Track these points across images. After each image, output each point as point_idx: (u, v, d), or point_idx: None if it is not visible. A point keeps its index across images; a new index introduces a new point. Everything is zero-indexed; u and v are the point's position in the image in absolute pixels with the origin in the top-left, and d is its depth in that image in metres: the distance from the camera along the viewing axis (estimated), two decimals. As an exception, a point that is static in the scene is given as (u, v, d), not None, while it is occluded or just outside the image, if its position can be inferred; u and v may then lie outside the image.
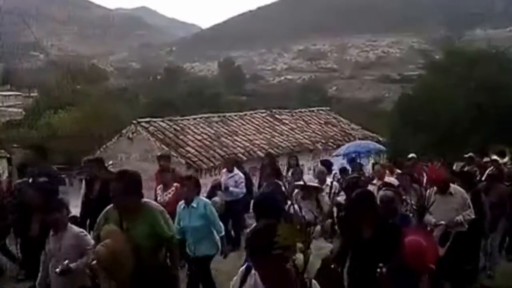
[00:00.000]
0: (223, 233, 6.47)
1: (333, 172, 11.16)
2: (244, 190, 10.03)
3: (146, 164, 13.94)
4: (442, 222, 6.52)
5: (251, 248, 2.80)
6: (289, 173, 10.87)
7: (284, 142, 17.61)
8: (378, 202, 5.44)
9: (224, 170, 10.50)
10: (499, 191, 8.17)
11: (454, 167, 12.00)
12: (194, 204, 6.33)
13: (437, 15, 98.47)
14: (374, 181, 9.09)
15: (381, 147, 16.19)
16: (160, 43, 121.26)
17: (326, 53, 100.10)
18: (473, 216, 6.67)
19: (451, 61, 28.67)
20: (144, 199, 4.49)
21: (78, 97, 33.46)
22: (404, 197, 6.75)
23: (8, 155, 24.09)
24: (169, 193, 7.84)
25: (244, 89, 63.26)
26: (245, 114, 19.43)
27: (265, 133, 17.90)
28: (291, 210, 4.92)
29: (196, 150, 15.24)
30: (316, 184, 7.67)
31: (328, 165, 11.13)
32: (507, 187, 8.61)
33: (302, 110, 21.68)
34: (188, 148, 15.30)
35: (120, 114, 29.09)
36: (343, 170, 11.72)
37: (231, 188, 9.85)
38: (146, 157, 14.69)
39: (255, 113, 19.85)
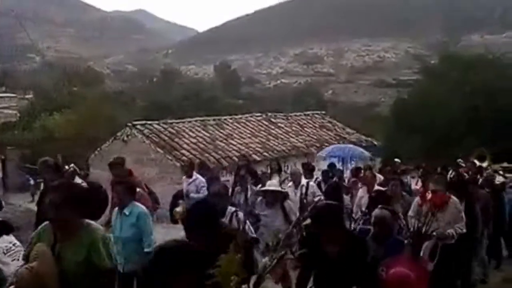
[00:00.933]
0: (150, 249, 5.30)
1: (315, 177, 10.76)
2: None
3: (140, 167, 13.95)
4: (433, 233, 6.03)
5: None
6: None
7: (279, 145, 17.65)
8: (373, 221, 5.03)
9: (184, 176, 9.91)
10: (482, 198, 7.96)
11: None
12: (126, 212, 5.54)
13: (433, 20, 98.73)
14: (361, 190, 8.49)
15: (367, 154, 15.61)
16: (157, 46, 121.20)
17: (322, 57, 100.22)
18: (464, 230, 6.31)
19: (447, 66, 28.75)
20: (88, 220, 3.79)
21: (73, 99, 33.36)
22: (400, 219, 6.15)
23: (2, 157, 24.04)
24: None
25: (240, 92, 63.24)
26: (241, 118, 19.49)
27: (260, 137, 17.95)
28: (234, 220, 4.66)
29: (191, 153, 15.26)
30: (277, 188, 7.07)
31: (310, 168, 10.86)
32: (487, 193, 8.46)
33: (297, 114, 21.76)
34: (183, 151, 15.33)
35: (115, 116, 29.02)
36: (325, 174, 11.31)
37: (191, 194, 9.24)
38: (141, 160, 14.69)
39: (251, 116, 19.91)
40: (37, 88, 48.83)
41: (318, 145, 18.55)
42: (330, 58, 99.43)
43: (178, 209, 8.45)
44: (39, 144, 27.73)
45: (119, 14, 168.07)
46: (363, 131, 22.34)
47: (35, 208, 8.45)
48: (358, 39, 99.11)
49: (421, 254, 4.89)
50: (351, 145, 16.57)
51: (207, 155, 15.27)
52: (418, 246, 4.66)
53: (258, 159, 15.19)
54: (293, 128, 19.67)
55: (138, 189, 6.36)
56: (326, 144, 18.67)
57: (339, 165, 13.44)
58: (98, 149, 16.48)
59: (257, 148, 16.77)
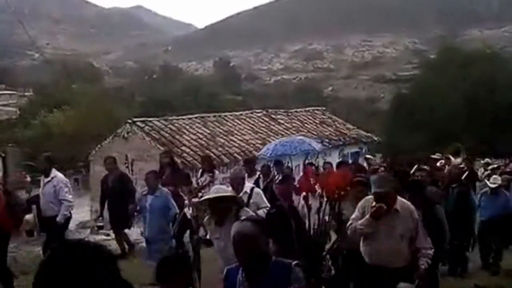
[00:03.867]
0: None
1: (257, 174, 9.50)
2: (68, 197, 8.24)
3: (141, 163, 13.95)
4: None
5: None
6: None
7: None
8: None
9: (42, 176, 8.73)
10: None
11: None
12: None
13: (432, 15, 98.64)
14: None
15: (317, 147, 13.46)
16: (156, 42, 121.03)
17: (322, 53, 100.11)
18: (432, 252, 4.94)
19: (446, 61, 28.78)
20: None
21: (73, 96, 33.32)
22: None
23: (2, 154, 24.00)
24: None
25: (240, 88, 63.21)
26: (241, 114, 19.46)
27: (261, 133, 17.91)
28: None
29: (192, 150, 15.24)
30: (225, 194, 5.12)
31: (251, 167, 9.57)
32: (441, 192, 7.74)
33: (298, 110, 21.71)
34: (184, 148, 15.30)
35: (115, 113, 29.01)
36: (266, 172, 9.63)
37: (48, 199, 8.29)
38: (141, 156, 14.68)
39: (251, 112, 19.88)
40: (36, 85, 48.76)
41: (319, 140, 18.54)
42: (330, 54, 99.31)
43: (28, 216, 7.83)
44: (39, 141, 27.72)
45: (117, 10, 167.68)
46: (363, 127, 22.31)
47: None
48: (357, 34, 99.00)
49: None
50: (299, 137, 14.11)
51: (207, 151, 15.24)
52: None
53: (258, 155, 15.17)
54: (294, 124, 19.64)
55: None
56: (327, 140, 18.65)
57: (288, 164, 12.12)
58: (99, 145, 16.46)
59: (257, 145, 16.73)
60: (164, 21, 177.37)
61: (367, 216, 4.85)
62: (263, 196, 6.83)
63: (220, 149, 15.73)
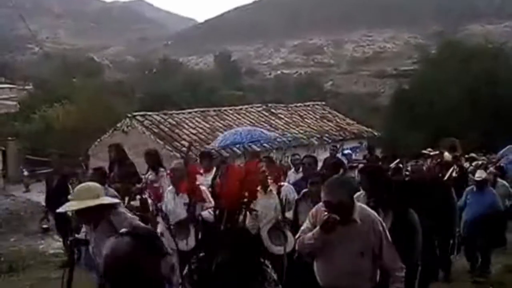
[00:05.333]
0: None
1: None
2: None
3: (140, 158, 13.92)
4: None
5: None
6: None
7: (279, 136, 17.59)
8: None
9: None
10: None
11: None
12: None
13: (433, 10, 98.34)
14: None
15: (270, 135, 12.80)
16: (156, 36, 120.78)
17: (322, 48, 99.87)
18: (403, 274, 4.03)
19: (446, 56, 28.71)
20: None
21: (73, 90, 33.26)
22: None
23: (3, 148, 24.01)
24: None
25: (240, 83, 63.11)
26: (241, 108, 19.46)
27: (261, 128, 17.88)
28: None
29: (192, 144, 15.22)
30: (90, 203, 4.19)
31: (208, 161, 8.71)
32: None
33: (298, 104, 21.71)
34: (183, 142, 15.29)
35: (115, 107, 28.98)
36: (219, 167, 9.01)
37: None
38: (141, 151, 14.66)
39: (251, 107, 19.89)
40: (36, 79, 48.75)
41: (318, 135, 18.52)
42: (330, 48, 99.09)
43: None
44: (38, 135, 27.72)
45: (117, 4, 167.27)
46: (364, 122, 22.30)
47: (33, 199, 8.57)
48: (358, 29, 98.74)
49: None
50: (249, 127, 13.45)
51: (207, 146, 15.24)
52: None
53: (258, 149, 15.14)
54: (294, 119, 19.63)
55: None
56: (327, 135, 18.65)
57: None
58: (98, 140, 16.45)
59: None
60: (164, 15, 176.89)
61: (318, 228, 3.91)
62: (208, 194, 5.83)
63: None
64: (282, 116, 19.44)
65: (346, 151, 13.29)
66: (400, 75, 59.31)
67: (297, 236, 4.20)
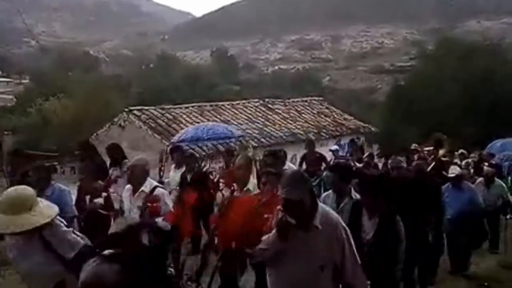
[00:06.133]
0: None
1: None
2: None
3: (137, 152, 13.89)
4: None
5: None
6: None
7: (277, 131, 17.58)
8: None
9: None
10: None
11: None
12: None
13: (431, 6, 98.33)
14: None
15: (235, 132, 12.18)
16: (153, 31, 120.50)
17: (319, 43, 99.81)
18: None
19: (444, 52, 28.70)
20: None
21: (69, 84, 33.19)
22: None
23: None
24: None
25: (237, 78, 63.04)
26: (238, 103, 19.41)
27: (258, 123, 17.88)
28: None
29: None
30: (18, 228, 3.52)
31: (178, 156, 8.50)
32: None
33: (295, 100, 21.67)
34: (180, 137, 15.24)
35: (112, 102, 28.92)
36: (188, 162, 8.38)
37: None
38: (137, 145, 14.63)
39: (248, 102, 19.84)
40: (33, 73, 48.63)
41: (316, 131, 18.51)
42: (327, 44, 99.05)
43: None
44: (35, 129, 27.67)
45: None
46: (361, 117, 22.29)
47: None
48: (355, 25, 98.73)
49: None
50: (213, 123, 12.83)
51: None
52: None
53: (255, 145, 15.13)
54: (291, 114, 19.61)
55: None
56: (324, 131, 18.63)
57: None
58: (95, 134, 16.41)
59: (254, 134, 16.71)
60: (161, 9, 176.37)
61: (273, 232, 3.27)
62: (168, 200, 5.41)
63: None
64: (279, 111, 19.42)
65: (333, 147, 13.21)
66: (398, 70, 59.33)
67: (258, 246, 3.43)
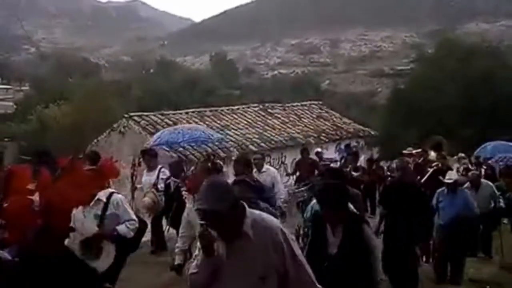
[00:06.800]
0: None
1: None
2: None
3: (138, 158, 13.89)
4: None
5: None
6: None
7: (276, 136, 17.57)
8: None
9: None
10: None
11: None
12: None
13: (430, 9, 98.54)
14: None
15: (213, 136, 11.78)
16: (153, 36, 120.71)
17: (319, 47, 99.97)
18: None
19: (443, 55, 28.77)
20: None
21: (69, 90, 33.25)
22: None
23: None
24: None
25: (237, 83, 63.12)
26: (238, 108, 19.39)
27: (257, 127, 17.86)
28: None
29: (188, 144, 15.19)
30: None
31: (151, 159, 8.48)
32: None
33: (295, 104, 21.66)
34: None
35: (112, 108, 28.96)
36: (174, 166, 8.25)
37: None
38: (137, 151, 14.63)
39: (247, 107, 19.83)
40: (32, 79, 48.69)
41: (315, 135, 18.50)
42: (327, 48, 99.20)
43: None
44: (35, 135, 27.69)
45: (113, 4, 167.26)
46: (361, 121, 22.29)
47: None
48: (354, 29, 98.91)
49: None
50: (190, 126, 12.35)
51: (204, 146, 15.20)
52: None
53: (255, 149, 15.13)
54: (291, 118, 19.60)
55: None
56: (324, 135, 18.62)
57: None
58: (95, 140, 16.41)
59: (254, 139, 16.70)
60: (160, 14, 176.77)
61: (200, 252, 2.96)
62: (126, 205, 5.11)
63: (216, 143, 15.68)
64: (279, 116, 19.40)
65: (317, 149, 13.15)
66: (397, 74, 59.42)
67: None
